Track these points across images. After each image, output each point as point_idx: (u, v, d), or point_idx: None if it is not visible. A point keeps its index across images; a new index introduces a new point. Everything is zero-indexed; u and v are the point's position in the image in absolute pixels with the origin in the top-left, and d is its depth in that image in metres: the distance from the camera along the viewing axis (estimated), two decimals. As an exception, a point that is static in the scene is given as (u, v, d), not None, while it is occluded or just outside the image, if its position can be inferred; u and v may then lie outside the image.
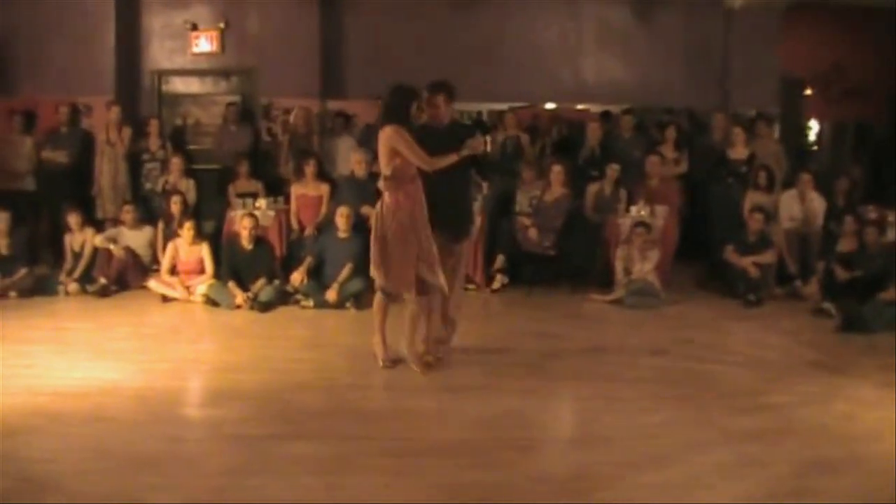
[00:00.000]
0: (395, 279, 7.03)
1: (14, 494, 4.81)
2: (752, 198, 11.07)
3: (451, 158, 6.86)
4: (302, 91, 13.26)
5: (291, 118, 12.54)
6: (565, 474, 5.37)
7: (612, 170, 11.22)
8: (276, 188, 11.58)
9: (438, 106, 7.15)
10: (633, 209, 10.80)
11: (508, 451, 5.60)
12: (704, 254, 11.37)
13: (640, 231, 10.28)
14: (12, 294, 10.16)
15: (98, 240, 10.65)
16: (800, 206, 11.06)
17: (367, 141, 11.91)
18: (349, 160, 11.30)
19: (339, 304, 9.58)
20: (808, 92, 15.95)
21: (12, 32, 13.05)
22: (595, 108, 13.57)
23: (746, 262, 10.28)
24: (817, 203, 11.07)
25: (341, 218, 10.00)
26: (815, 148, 16.37)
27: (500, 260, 10.78)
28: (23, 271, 10.30)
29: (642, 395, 6.82)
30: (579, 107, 14.08)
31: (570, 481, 5.23)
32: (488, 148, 7.29)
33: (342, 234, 9.98)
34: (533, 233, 10.79)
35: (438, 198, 6.98)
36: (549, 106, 14.14)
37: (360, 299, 9.57)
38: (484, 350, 8.06)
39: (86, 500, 4.78)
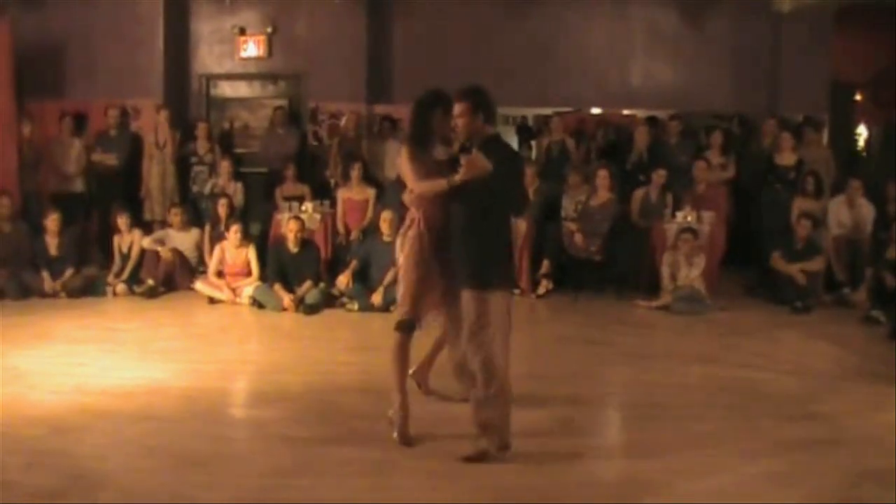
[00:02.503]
0: (418, 302, 5.77)
1: (66, 491, 4.87)
2: (800, 204, 10.96)
3: (439, 185, 5.48)
4: (349, 95, 13.31)
5: (342, 122, 12.60)
6: (613, 480, 5.35)
7: (659, 175, 11.15)
8: (322, 192, 11.64)
9: (459, 116, 5.59)
10: (680, 215, 10.73)
11: (555, 456, 5.58)
12: (753, 260, 11.26)
13: (687, 237, 10.20)
14: (62, 294, 10.30)
15: (146, 241, 10.77)
16: (849, 212, 10.93)
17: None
18: (395, 164, 11.30)
19: (384, 308, 9.59)
20: (858, 97, 15.76)
21: (64, 36, 13.20)
22: (642, 113, 13.49)
23: (794, 269, 10.18)
24: (866, 210, 10.93)
25: (385, 223, 10.04)
26: (865, 154, 16.18)
27: (545, 265, 10.76)
28: (71, 272, 10.42)
29: (690, 402, 6.77)
30: (626, 112, 14.00)
31: (618, 487, 5.21)
32: (488, 166, 5.38)
33: (387, 238, 10.01)
34: (579, 238, 10.76)
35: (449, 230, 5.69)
36: (596, 111, 14.08)
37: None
38: (530, 356, 8.03)
39: (136, 497, 4.83)
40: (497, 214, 5.54)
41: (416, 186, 5.67)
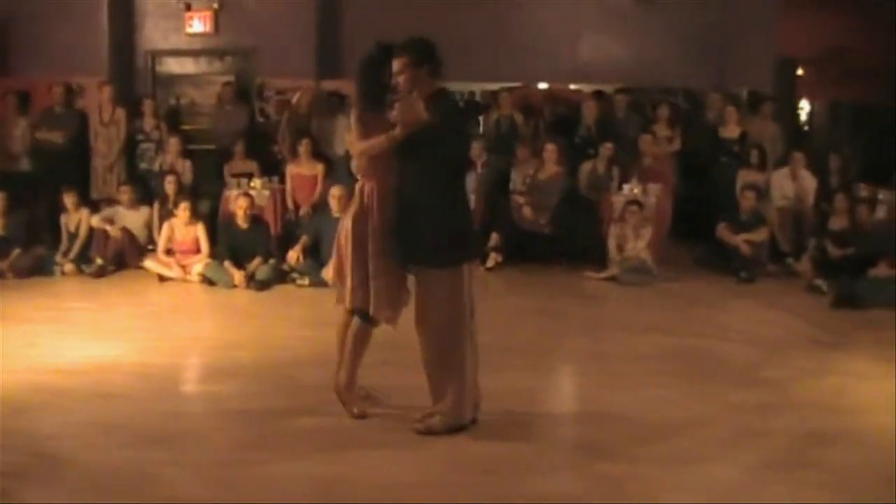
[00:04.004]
0: (384, 297, 5.42)
1: (28, 469, 4.89)
2: (745, 176, 11.17)
3: (379, 141, 5.19)
4: (298, 71, 13.25)
5: (294, 99, 12.56)
6: (569, 447, 5.49)
7: (606, 148, 11.28)
8: (271, 168, 11.62)
9: (400, 72, 5.26)
10: (627, 187, 10.87)
11: (514, 425, 5.68)
12: (700, 232, 11.44)
13: (634, 209, 10.35)
14: (9, 275, 10.17)
15: (95, 220, 10.67)
16: (791, 184, 11.13)
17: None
18: (344, 140, 11.33)
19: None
20: (801, 72, 15.99)
21: (7, 12, 13.01)
22: (589, 88, 13.58)
23: (739, 240, 10.36)
24: (809, 182, 11.15)
25: (334, 199, 10.01)
26: (807, 128, 16.46)
27: (494, 238, 10.82)
28: (18, 252, 10.31)
29: (642, 370, 6.91)
30: (574, 86, 14.08)
31: (574, 453, 5.36)
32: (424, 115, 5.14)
33: (336, 214, 10.00)
34: (528, 211, 10.88)
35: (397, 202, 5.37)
36: (543, 86, 14.15)
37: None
38: (484, 329, 8.07)
39: (98, 474, 4.86)
40: (450, 176, 5.30)
41: (357, 147, 5.42)
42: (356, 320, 5.56)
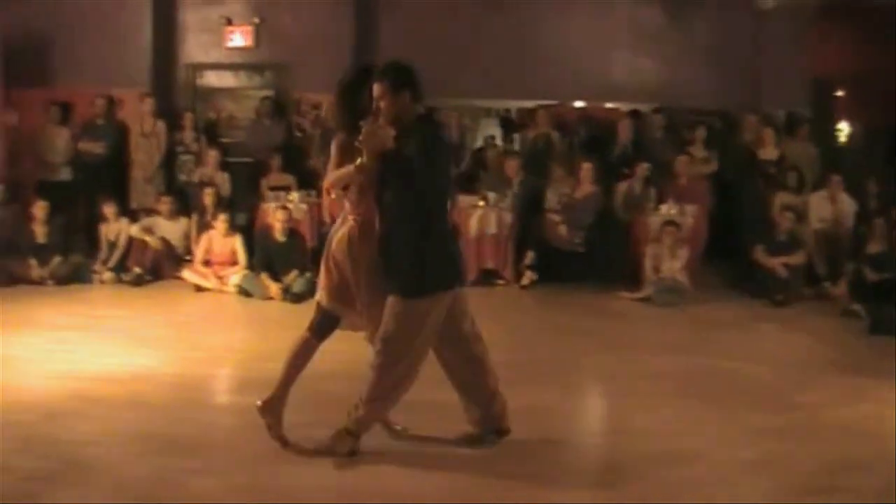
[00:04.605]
0: (367, 316, 5.27)
1: (59, 474, 4.95)
2: (782, 198, 11.11)
3: (346, 172, 5.04)
4: (334, 86, 13.32)
5: (322, 112, 12.64)
6: (594, 467, 5.47)
7: (642, 168, 11.27)
8: (307, 182, 11.70)
9: (380, 98, 5.05)
10: (663, 208, 10.85)
11: (537, 444, 5.68)
12: (733, 253, 11.39)
13: (670, 230, 10.32)
14: (49, 282, 10.35)
15: (134, 230, 10.82)
16: (830, 207, 11.07)
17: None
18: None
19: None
20: (840, 94, 15.89)
21: (51, 25, 13.18)
22: (624, 108, 13.59)
23: (775, 263, 10.31)
24: (847, 204, 11.08)
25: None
26: (847, 150, 16.32)
27: (529, 256, 10.86)
28: (58, 259, 10.46)
29: (669, 392, 6.87)
30: (608, 105, 14.09)
31: (598, 474, 5.33)
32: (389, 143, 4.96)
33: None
34: (563, 230, 10.89)
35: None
36: (578, 104, 14.16)
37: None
38: (513, 346, 8.13)
39: (128, 481, 4.92)
40: (427, 203, 5.06)
41: (328, 178, 5.21)
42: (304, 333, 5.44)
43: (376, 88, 5.04)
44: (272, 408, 5.39)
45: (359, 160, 4.95)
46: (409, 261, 5.06)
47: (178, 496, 4.78)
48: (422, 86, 5.15)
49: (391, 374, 5.21)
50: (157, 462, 5.14)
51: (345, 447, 5.26)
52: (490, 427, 5.51)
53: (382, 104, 5.03)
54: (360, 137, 4.90)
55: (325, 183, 5.28)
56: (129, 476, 4.97)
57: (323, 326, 5.38)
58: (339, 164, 5.10)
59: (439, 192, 5.19)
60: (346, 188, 5.14)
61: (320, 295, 5.35)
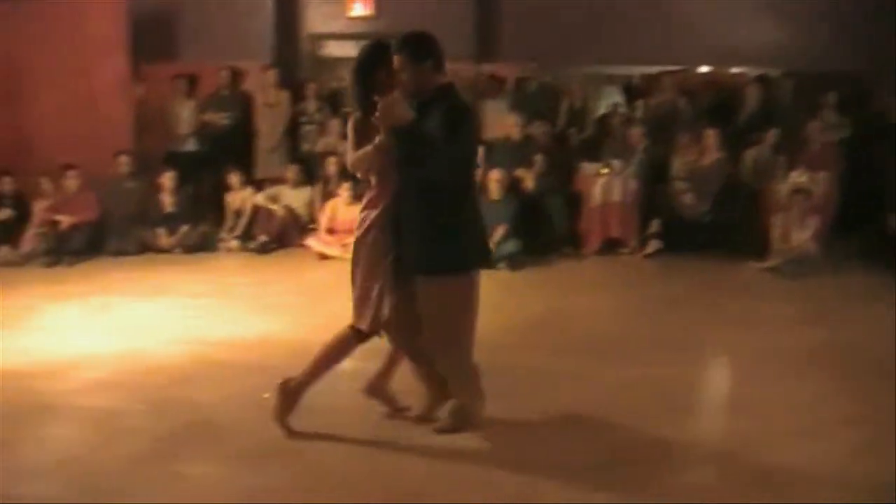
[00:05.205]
0: (379, 313, 5.07)
1: (186, 435, 5.12)
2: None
3: (365, 152, 4.88)
4: (455, 54, 13.24)
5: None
6: (714, 440, 5.34)
7: (771, 134, 10.95)
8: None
9: (400, 71, 4.86)
10: (793, 175, 10.52)
11: (656, 415, 5.58)
12: (867, 223, 10.98)
13: (800, 198, 10.01)
14: (177, 250, 10.60)
15: (260, 198, 11.00)
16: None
17: (520, 104, 11.98)
18: (498, 123, 11.38)
19: (493, 265, 9.68)
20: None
21: (176, 1, 13.44)
22: (751, 72, 13.22)
23: (911, 232, 9.92)
24: None
25: (493, 182, 10.12)
26: None
27: (654, 224, 10.67)
28: (186, 228, 10.70)
29: (795, 365, 6.65)
30: (734, 70, 13.73)
31: (719, 445, 5.21)
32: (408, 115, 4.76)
33: (495, 197, 10.09)
34: (688, 198, 10.66)
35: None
36: (703, 69, 13.84)
37: (514, 261, 9.72)
38: (634, 316, 8.03)
39: (250, 442, 5.04)
40: (453, 177, 4.85)
41: (348, 159, 5.07)
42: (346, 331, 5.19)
43: (397, 60, 4.86)
44: (293, 393, 5.17)
45: (377, 139, 4.80)
46: (440, 238, 4.87)
47: (300, 458, 4.86)
48: (443, 55, 4.93)
49: (457, 364, 5.11)
50: (278, 427, 5.18)
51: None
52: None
53: (404, 76, 4.84)
54: (377, 113, 4.73)
55: (349, 164, 5.10)
56: (252, 438, 5.06)
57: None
58: (358, 146, 4.94)
59: (465, 165, 4.97)
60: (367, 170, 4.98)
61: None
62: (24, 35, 11.46)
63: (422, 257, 4.90)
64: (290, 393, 5.14)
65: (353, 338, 5.12)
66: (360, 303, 5.06)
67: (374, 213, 4.95)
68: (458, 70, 12.65)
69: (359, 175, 5.10)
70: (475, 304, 5.06)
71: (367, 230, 4.96)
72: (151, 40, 12.78)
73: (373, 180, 4.99)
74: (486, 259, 5.16)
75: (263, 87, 12.30)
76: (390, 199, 4.91)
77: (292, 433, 5.12)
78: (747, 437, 5.27)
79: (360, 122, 4.95)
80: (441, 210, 4.84)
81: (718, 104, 12.69)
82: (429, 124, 4.75)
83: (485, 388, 5.24)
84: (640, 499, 4.50)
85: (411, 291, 4.95)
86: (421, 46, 4.89)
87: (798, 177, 10.44)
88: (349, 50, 13.92)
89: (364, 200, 5.08)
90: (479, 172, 10.48)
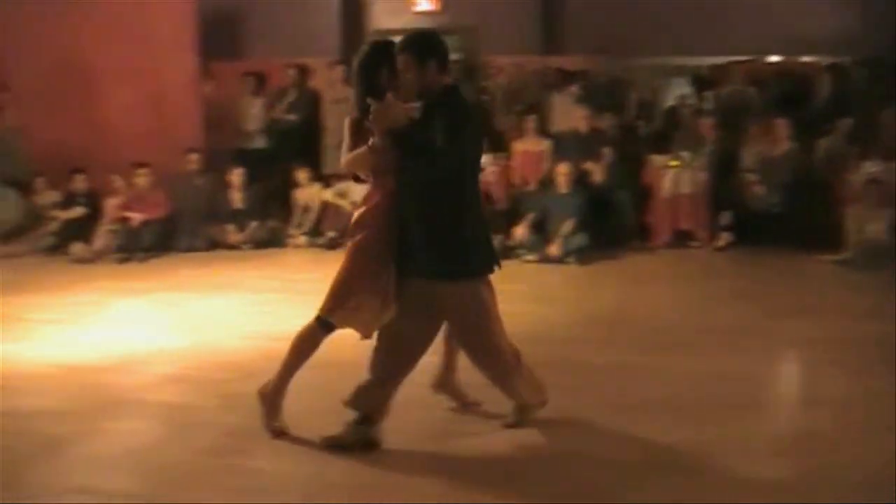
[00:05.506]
0: (349, 308, 5.00)
1: (256, 431, 5.13)
2: None
3: (360, 154, 4.80)
4: (522, 48, 13.26)
5: (503, 76, 12.64)
6: (784, 434, 5.24)
7: (844, 124, 10.75)
8: (497, 144, 11.67)
9: (404, 71, 4.77)
10: (867, 165, 10.31)
11: (724, 409, 5.50)
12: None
13: (873, 188, 9.81)
14: (245, 246, 10.69)
15: (328, 194, 11.05)
16: None
17: (587, 96, 11.91)
18: (566, 116, 11.34)
19: (561, 259, 9.65)
20: None
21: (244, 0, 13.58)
22: (822, 60, 12.98)
23: None
24: None
25: (561, 175, 10.09)
26: None
27: (724, 217, 10.53)
28: (255, 224, 10.79)
29: (865, 359, 6.48)
30: (805, 59, 13.51)
31: (790, 441, 5.10)
32: (413, 115, 4.67)
33: (563, 190, 10.06)
34: (759, 189, 10.49)
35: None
36: (773, 59, 13.63)
37: (583, 254, 9.67)
38: (704, 309, 7.92)
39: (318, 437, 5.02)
40: (457, 179, 4.75)
41: (342, 161, 4.98)
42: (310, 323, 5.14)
43: (400, 60, 4.75)
44: (273, 395, 5.15)
45: (371, 141, 4.70)
46: (443, 244, 4.77)
47: (367, 454, 4.88)
48: (448, 55, 4.81)
49: (492, 368, 5.08)
50: (350, 419, 5.18)
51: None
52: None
53: (407, 77, 4.75)
54: (371, 116, 4.61)
55: (343, 165, 5.02)
56: (323, 433, 5.03)
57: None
58: (353, 146, 4.85)
59: (469, 167, 4.84)
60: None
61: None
62: (95, 35, 11.63)
63: (426, 264, 4.81)
64: (269, 397, 5.13)
65: (319, 329, 5.08)
66: (330, 293, 5.01)
67: (365, 212, 4.91)
68: (525, 63, 12.74)
69: (361, 176, 5.01)
70: (489, 308, 4.97)
71: (357, 227, 4.92)
72: (220, 38, 12.94)
73: (368, 181, 4.95)
74: (490, 265, 4.99)
75: (330, 83, 12.34)
76: (382, 199, 4.84)
77: (283, 434, 5.09)
78: (819, 433, 5.15)
79: (356, 123, 4.87)
80: (443, 214, 4.75)
81: (789, 93, 12.50)
82: (433, 126, 4.62)
83: (543, 380, 5.25)
84: (709, 496, 4.42)
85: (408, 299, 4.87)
86: (425, 46, 4.78)
87: (872, 167, 10.24)
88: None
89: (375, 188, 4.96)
90: (498, 172, 10.62)
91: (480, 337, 5.00)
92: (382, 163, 4.75)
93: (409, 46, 4.76)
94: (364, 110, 4.74)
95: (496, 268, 5.01)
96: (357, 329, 5.03)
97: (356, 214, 4.98)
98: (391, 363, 5.01)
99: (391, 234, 4.83)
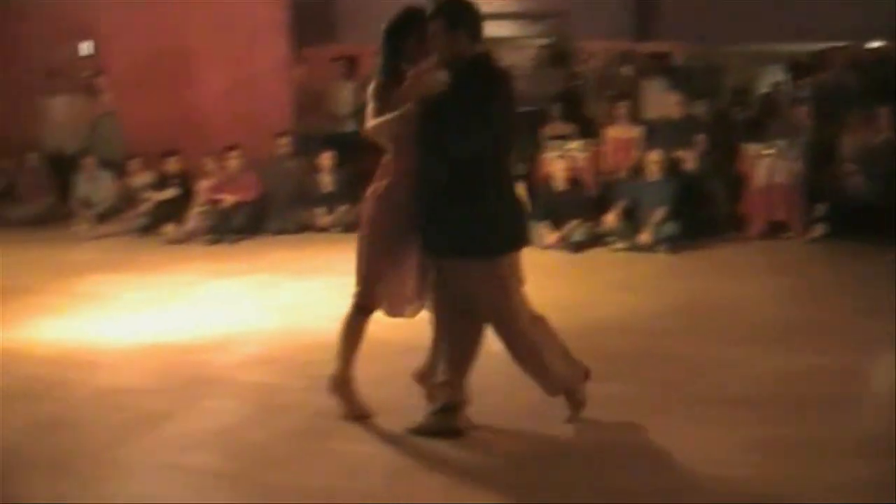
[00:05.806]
0: (377, 285, 5.01)
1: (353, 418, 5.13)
2: None
3: (387, 119, 4.68)
4: (614, 33, 13.12)
5: (594, 61, 12.51)
6: (878, 432, 5.05)
7: (951, 112, 10.43)
8: (587, 130, 11.58)
9: (434, 37, 4.65)
10: (976, 155, 10.00)
11: (814, 407, 5.35)
12: None
13: (980, 179, 9.50)
14: (335, 229, 10.75)
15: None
16: None
17: (681, 82, 11.74)
18: (659, 103, 11.19)
19: (651, 248, 9.52)
20: None
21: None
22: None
23: None
24: None
25: (652, 163, 9.98)
26: None
27: (820, 208, 10.28)
28: (345, 207, 10.85)
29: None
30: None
31: (884, 439, 4.92)
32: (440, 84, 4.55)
33: (655, 177, 9.93)
34: (858, 180, 10.22)
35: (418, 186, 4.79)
36: (874, 44, 13.27)
37: (674, 243, 9.55)
38: (795, 301, 7.74)
39: (410, 423, 5.00)
40: (486, 151, 4.59)
41: (368, 125, 4.82)
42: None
43: (431, 27, 4.64)
44: (339, 385, 5.12)
45: (404, 108, 4.60)
46: (466, 219, 4.64)
47: (454, 440, 4.85)
48: (481, 25, 4.67)
49: (525, 355, 4.98)
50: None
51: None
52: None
53: (437, 43, 4.63)
54: (406, 83, 4.56)
55: (368, 129, 4.84)
56: (411, 418, 5.03)
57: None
58: (378, 112, 4.74)
59: (496, 141, 4.63)
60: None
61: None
62: (188, 19, 11.80)
63: (447, 239, 4.70)
64: (338, 387, 5.11)
65: (356, 314, 5.05)
66: (356, 275, 5.02)
67: (381, 186, 4.85)
68: (617, 48, 12.60)
69: (382, 141, 4.85)
70: (511, 290, 4.83)
71: (373, 199, 4.89)
72: (311, 23, 13.00)
73: (389, 150, 4.83)
74: (517, 243, 4.86)
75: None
76: (402, 174, 4.75)
77: (366, 418, 5.08)
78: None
79: (382, 88, 4.77)
80: (468, 189, 4.62)
81: (891, 80, 12.15)
82: (462, 96, 4.50)
83: (580, 361, 5.12)
84: (800, 496, 4.30)
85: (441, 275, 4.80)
86: (456, 13, 4.64)
87: (979, 157, 9.91)
88: (505, 30, 13.97)
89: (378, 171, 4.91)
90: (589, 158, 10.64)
91: (503, 318, 4.86)
92: (409, 132, 4.66)
93: (440, 13, 4.64)
94: (391, 76, 4.72)
95: (517, 248, 4.86)
96: (392, 310, 5.04)
97: (370, 188, 4.92)
98: (452, 347, 4.96)
99: (406, 213, 4.75)
